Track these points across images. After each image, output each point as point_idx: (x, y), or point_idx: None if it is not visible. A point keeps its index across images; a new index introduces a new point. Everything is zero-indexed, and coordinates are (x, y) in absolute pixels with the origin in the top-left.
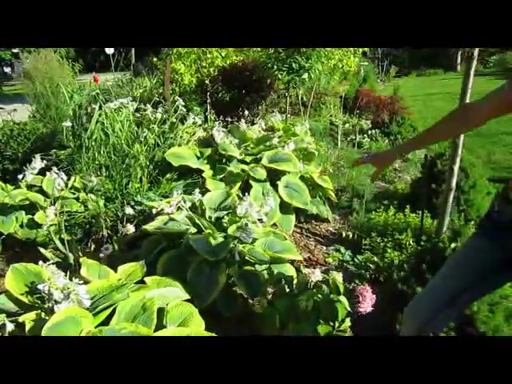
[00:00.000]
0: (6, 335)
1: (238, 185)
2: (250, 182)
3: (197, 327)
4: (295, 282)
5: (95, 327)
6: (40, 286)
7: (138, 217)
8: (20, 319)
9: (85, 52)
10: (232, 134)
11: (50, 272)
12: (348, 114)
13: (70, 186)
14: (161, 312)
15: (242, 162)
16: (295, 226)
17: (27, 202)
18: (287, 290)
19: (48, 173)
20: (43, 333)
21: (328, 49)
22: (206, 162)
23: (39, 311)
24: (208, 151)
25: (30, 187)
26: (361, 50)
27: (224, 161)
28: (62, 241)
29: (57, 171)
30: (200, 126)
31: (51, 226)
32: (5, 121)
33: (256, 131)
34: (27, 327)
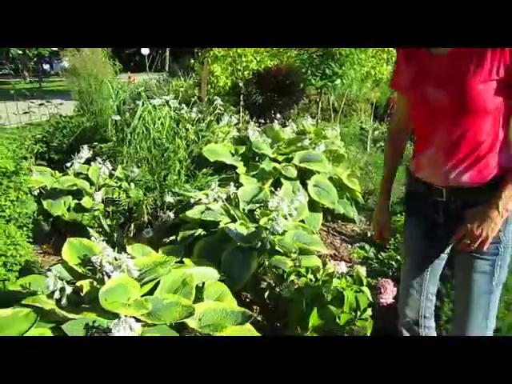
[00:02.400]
0: (64, 300)
1: (270, 182)
2: (281, 179)
3: (231, 303)
4: (320, 273)
5: (141, 296)
6: (94, 258)
7: (177, 205)
8: (78, 283)
9: (120, 52)
10: (266, 134)
11: (101, 247)
12: (378, 121)
13: (114, 175)
14: (198, 288)
15: (274, 160)
16: (322, 224)
17: (74, 188)
18: (313, 279)
19: (92, 163)
20: (100, 295)
21: (361, 56)
22: (239, 159)
23: (92, 280)
24: (242, 149)
25: (76, 175)
26: (394, 58)
27: (257, 159)
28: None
29: (100, 161)
30: (235, 125)
31: (96, 210)
32: (51, 114)
33: (288, 133)
34: (84, 290)
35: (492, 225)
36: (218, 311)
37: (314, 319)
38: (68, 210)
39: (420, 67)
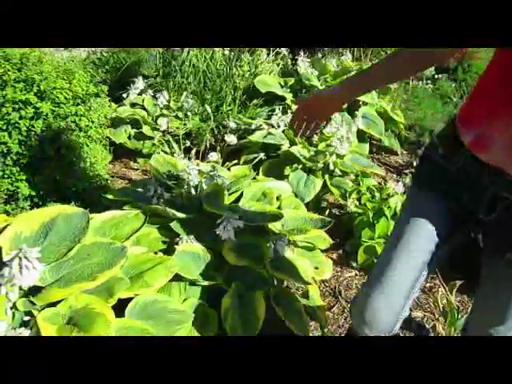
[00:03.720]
0: (161, 204)
1: None
2: None
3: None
4: (381, 191)
5: (229, 203)
6: (183, 171)
7: (238, 131)
8: (173, 190)
9: None
10: (313, 67)
11: (183, 162)
12: None
13: (168, 106)
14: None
15: None
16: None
17: (131, 118)
18: (374, 197)
19: (144, 94)
20: (202, 199)
21: None
22: (288, 90)
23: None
24: (291, 81)
25: (132, 105)
26: None
27: (304, 91)
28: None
29: (151, 93)
30: (281, 59)
31: (156, 139)
32: (91, 50)
33: (334, 65)
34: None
35: None
36: (299, 218)
37: (380, 228)
38: (129, 138)
39: None
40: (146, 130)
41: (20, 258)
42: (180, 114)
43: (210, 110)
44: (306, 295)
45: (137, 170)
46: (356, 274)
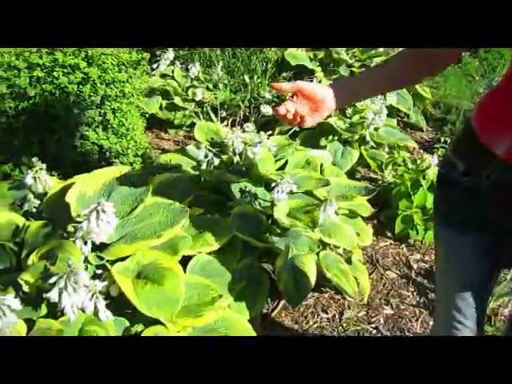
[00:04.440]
0: (210, 169)
1: None
2: None
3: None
4: (417, 163)
5: (276, 170)
6: (228, 138)
7: (272, 102)
8: (223, 157)
9: None
10: None
11: (226, 130)
12: None
13: (198, 77)
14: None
15: (350, 66)
16: None
17: (162, 89)
18: (410, 169)
19: (173, 66)
20: (254, 163)
21: None
22: (317, 64)
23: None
24: (320, 54)
25: (162, 76)
26: None
27: (332, 65)
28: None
29: (179, 64)
30: None
31: (190, 109)
32: None
33: None
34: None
35: None
36: (342, 186)
37: (418, 199)
38: (160, 108)
39: None
40: (177, 100)
41: (98, 212)
42: (210, 86)
43: (248, 80)
44: (348, 261)
45: (168, 140)
46: (391, 244)
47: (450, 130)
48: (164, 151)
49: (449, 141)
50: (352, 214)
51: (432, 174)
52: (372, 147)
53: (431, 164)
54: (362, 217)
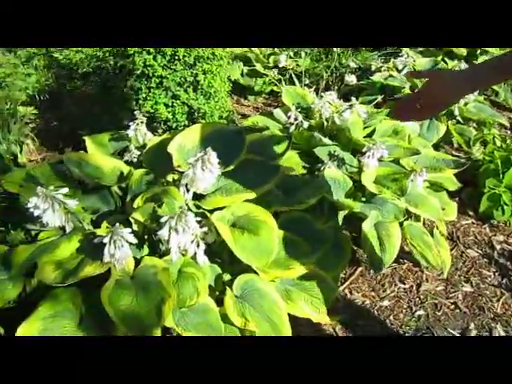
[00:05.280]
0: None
1: (440, 57)
2: (446, 59)
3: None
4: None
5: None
6: (316, 103)
7: (356, 72)
8: (312, 121)
9: None
10: None
11: (313, 96)
12: None
13: None
14: None
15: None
16: None
17: (243, 55)
18: (499, 147)
19: None
20: (345, 128)
21: None
22: None
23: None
24: None
25: None
26: None
27: None
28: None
29: None
30: None
31: (272, 75)
32: None
33: None
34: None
35: None
36: (430, 157)
37: (508, 178)
38: (241, 75)
39: None
40: (258, 67)
41: (203, 161)
42: (291, 54)
43: (335, 48)
44: (431, 234)
45: (248, 106)
46: (473, 223)
47: None
48: (244, 117)
49: None
50: (437, 188)
51: None
52: (458, 122)
53: None
54: (447, 191)
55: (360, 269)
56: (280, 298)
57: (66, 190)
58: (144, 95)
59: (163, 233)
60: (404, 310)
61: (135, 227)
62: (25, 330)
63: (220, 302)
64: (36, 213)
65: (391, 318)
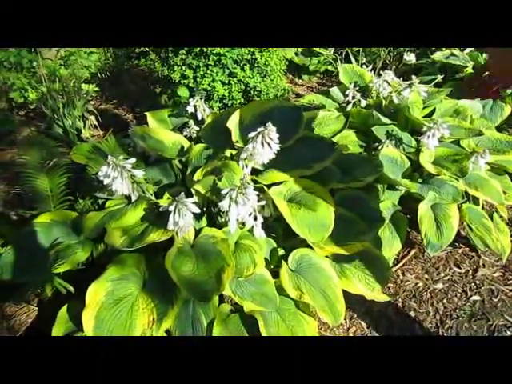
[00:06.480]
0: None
1: None
2: None
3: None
4: None
5: (422, 117)
6: (374, 81)
7: (415, 51)
8: (370, 100)
9: None
10: None
11: (371, 75)
12: None
13: None
14: None
15: None
16: None
17: None
18: None
19: None
20: (403, 108)
21: None
22: None
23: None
24: None
25: None
26: None
27: None
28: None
29: None
30: None
31: (327, 54)
32: None
33: None
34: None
35: None
36: (493, 139)
37: None
38: (296, 54)
39: None
40: None
41: (263, 136)
42: None
43: None
44: (490, 218)
45: (302, 85)
46: None
47: None
48: (298, 96)
49: None
50: (499, 171)
51: None
52: None
53: None
54: (510, 174)
55: (414, 251)
56: (335, 274)
57: (133, 160)
58: (202, 72)
59: (224, 204)
60: (458, 294)
61: (196, 199)
62: (94, 289)
63: (275, 274)
64: (106, 181)
65: (444, 301)
